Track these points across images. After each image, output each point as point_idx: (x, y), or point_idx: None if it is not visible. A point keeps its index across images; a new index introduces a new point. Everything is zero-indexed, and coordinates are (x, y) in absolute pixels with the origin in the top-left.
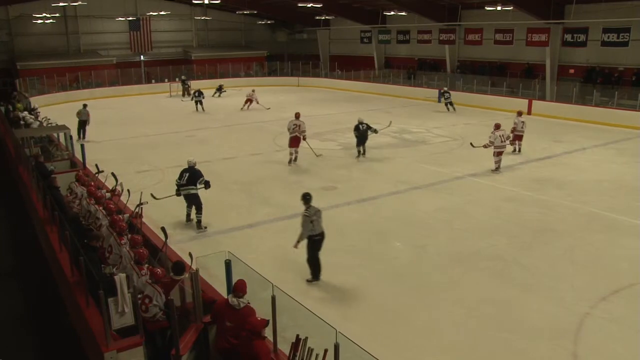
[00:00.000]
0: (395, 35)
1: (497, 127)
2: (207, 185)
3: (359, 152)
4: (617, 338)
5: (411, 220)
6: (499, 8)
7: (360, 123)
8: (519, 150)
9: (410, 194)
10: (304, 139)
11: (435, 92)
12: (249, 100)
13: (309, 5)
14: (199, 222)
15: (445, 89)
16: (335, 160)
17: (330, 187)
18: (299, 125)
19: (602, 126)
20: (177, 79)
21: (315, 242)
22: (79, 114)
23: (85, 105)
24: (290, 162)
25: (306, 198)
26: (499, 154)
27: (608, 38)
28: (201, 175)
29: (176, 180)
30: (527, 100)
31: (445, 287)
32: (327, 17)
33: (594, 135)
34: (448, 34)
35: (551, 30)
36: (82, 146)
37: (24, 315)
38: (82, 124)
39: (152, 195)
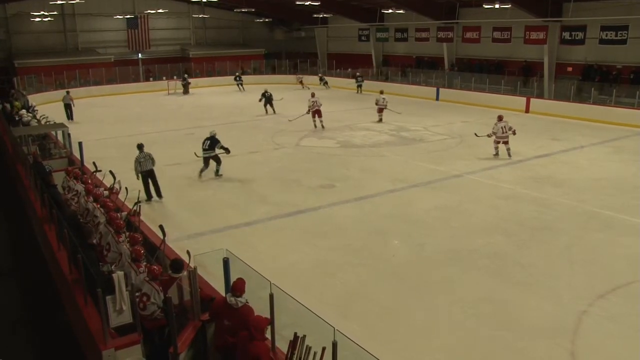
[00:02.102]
0: (393, 33)
1: (500, 119)
2: (227, 150)
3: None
4: (615, 336)
5: (409, 219)
6: (496, 6)
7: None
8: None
9: (408, 192)
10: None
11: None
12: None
13: (306, 3)
14: (217, 170)
15: (358, 73)
16: (333, 159)
17: (329, 186)
18: (316, 101)
19: (600, 124)
20: (180, 78)
21: (144, 176)
22: (63, 99)
23: (68, 92)
24: (315, 126)
25: (138, 146)
26: (497, 142)
27: (606, 36)
28: (219, 142)
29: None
30: (525, 98)
31: (443, 286)
32: (325, 15)
33: (592, 134)
34: (446, 31)
35: (549, 28)
36: (80, 144)
37: (22, 314)
38: (68, 107)
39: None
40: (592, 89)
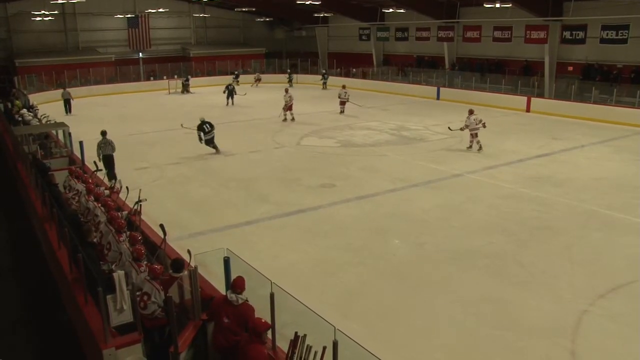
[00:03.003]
0: (394, 33)
1: (471, 112)
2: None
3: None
4: (615, 336)
5: (409, 218)
6: (497, 5)
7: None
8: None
9: (408, 192)
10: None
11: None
12: (343, 102)
13: (307, 3)
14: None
15: (324, 71)
16: (334, 158)
17: (329, 185)
18: (347, 92)
19: (601, 123)
20: (184, 78)
21: (103, 159)
22: (62, 95)
23: (65, 87)
24: (341, 112)
25: (102, 132)
26: (473, 135)
27: (607, 35)
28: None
29: (203, 131)
30: (525, 98)
31: (443, 285)
32: (325, 15)
33: (592, 133)
34: (446, 31)
35: (550, 28)
36: (81, 143)
37: (22, 314)
38: (67, 102)
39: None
40: (593, 88)
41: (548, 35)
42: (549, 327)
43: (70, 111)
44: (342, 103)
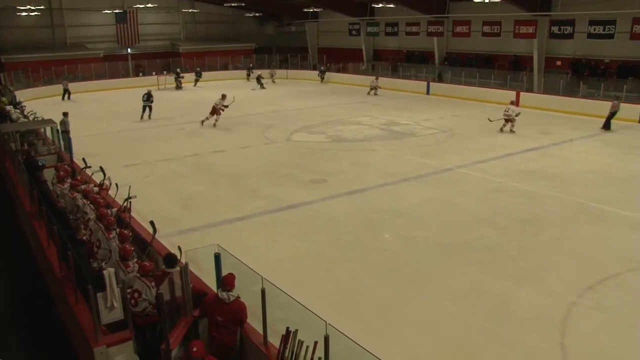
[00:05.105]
0: (384, 28)
1: (512, 103)
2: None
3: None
4: (604, 327)
5: (401, 212)
6: (486, 0)
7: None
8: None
9: (399, 186)
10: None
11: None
12: (374, 88)
13: None
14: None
15: (322, 67)
16: (325, 153)
17: (320, 180)
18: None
19: (589, 118)
20: (174, 73)
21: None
22: (63, 84)
23: (65, 77)
24: (369, 94)
25: (64, 113)
26: (511, 121)
27: (594, 30)
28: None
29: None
30: (515, 92)
31: (435, 279)
32: (315, 10)
33: (581, 127)
34: (436, 26)
35: (538, 23)
36: (69, 140)
37: (13, 312)
38: (66, 91)
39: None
40: (581, 82)
41: (537, 30)
42: (539, 319)
43: (69, 97)
44: (373, 88)
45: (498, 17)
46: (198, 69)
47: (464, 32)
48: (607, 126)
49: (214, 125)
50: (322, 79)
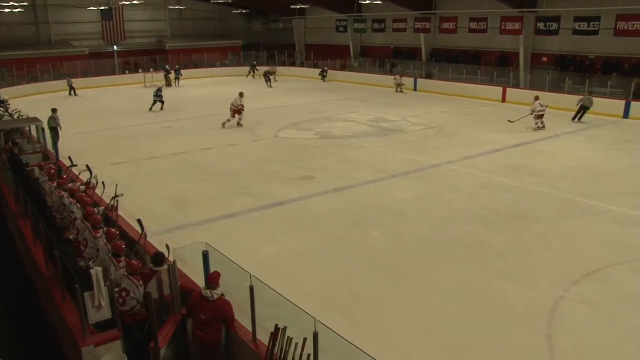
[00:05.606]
0: (371, 24)
1: (536, 98)
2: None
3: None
4: (589, 319)
5: (389, 209)
6: None
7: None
8: (543, 127)
9: (387, 182)
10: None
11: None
12: (399, 85)
13: None
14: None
15: (326, 67)
16: (313, 150)
17: (308, 177)
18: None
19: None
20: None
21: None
22: (67, 81)
23: (69, 75)
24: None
25: (52, 109)
26: (539, 117)
27: (579, 26)
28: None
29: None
30: (501, 88)
31: (423, 274)
32: (302, 6)
33: (566, 122)
34: (423, 22)
35: (524, 19)
36: (55, 139)
37: (0, 312)
38: (71, 88)
39: None
40: (567, 78)
41: (523, 26)
42: (526, 313)
43: (75, 94)
44: (398, 85)
45: (484, 13)
46: (177, 66)
47: (450, 29)
48: (575, 118)
49: (239, 124)
50: (324, 77)
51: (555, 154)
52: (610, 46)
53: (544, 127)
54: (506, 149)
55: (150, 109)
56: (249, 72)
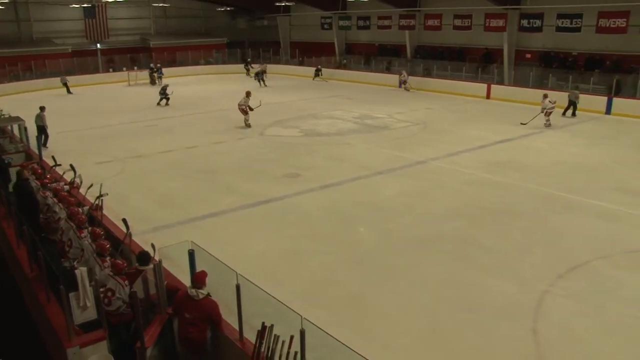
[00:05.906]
0: (356, 22)
1: (545, 96)
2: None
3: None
4: (575, 313)
5: (375, 206)
6: None
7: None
8: (549, 125)
9: (373, 180)
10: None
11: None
12: (404, 82)
13: None
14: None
15: (319, 66)
16: (299, 147)
17: (294, 175)
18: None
19: (558, 109)
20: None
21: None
22: (61, 79)
23: (64, 72)
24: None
25: (40, 107)
26: (548, 114)
27: (562, 24)
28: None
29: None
30: (486, 85)
31: (409, 271)
32: (287, 4)
33: (550, 119)
34: (408, 19)
35: (508, 16)
36: (38, 138)
37: None
38: (66, 85)
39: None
40: (550, 75)
41: (507, 23)
42: (512, 308)
43: (69, 92)
44: (403, 82)
45: (469, 10)
46: (159, 64)
47: (435, 26)
48: (565, 113)
49: (246, 125)
50: (319, 75)
51: (539, 150)
52: (592, 43)
53: (549, 124)
54: (491, 145)
55: (158, 103)
56: (247, 70)
